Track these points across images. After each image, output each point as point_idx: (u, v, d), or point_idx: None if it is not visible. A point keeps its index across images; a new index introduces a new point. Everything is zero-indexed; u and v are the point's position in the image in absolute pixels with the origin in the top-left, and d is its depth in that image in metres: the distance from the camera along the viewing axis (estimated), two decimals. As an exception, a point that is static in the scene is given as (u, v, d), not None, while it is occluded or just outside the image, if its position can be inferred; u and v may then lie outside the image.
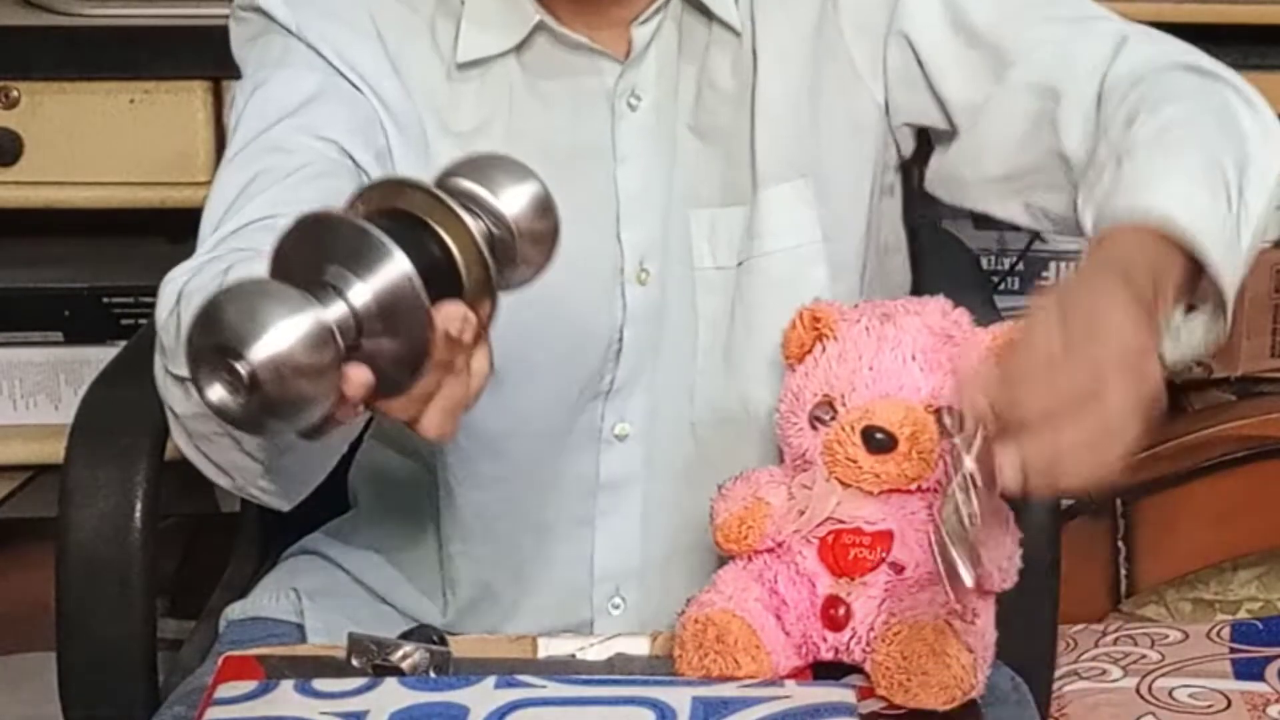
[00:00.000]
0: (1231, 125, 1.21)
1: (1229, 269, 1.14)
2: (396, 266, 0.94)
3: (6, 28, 2.14)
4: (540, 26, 1.31)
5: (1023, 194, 1.32)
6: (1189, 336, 1.18)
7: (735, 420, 1.34)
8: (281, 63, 1.30)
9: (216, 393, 0.93)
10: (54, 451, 1.38)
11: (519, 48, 1.32)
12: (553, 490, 1.35)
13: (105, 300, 2.22)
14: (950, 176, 1.36)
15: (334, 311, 0.94)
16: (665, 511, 1.36)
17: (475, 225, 1.00)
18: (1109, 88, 1.24)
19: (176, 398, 1.15)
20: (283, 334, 0.91)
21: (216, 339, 0.92)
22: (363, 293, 0.94)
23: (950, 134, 1.34)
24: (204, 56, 2.14)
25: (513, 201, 1.04)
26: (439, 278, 0.97)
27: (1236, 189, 1.16)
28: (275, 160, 1.25)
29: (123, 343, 1.61)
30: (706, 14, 1.33)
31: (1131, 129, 1.20)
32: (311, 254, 0.96)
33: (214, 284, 1.09)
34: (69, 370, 2.18)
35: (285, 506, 1.21)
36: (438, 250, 0.99)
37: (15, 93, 2.11)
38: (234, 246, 1.18)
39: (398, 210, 0.99)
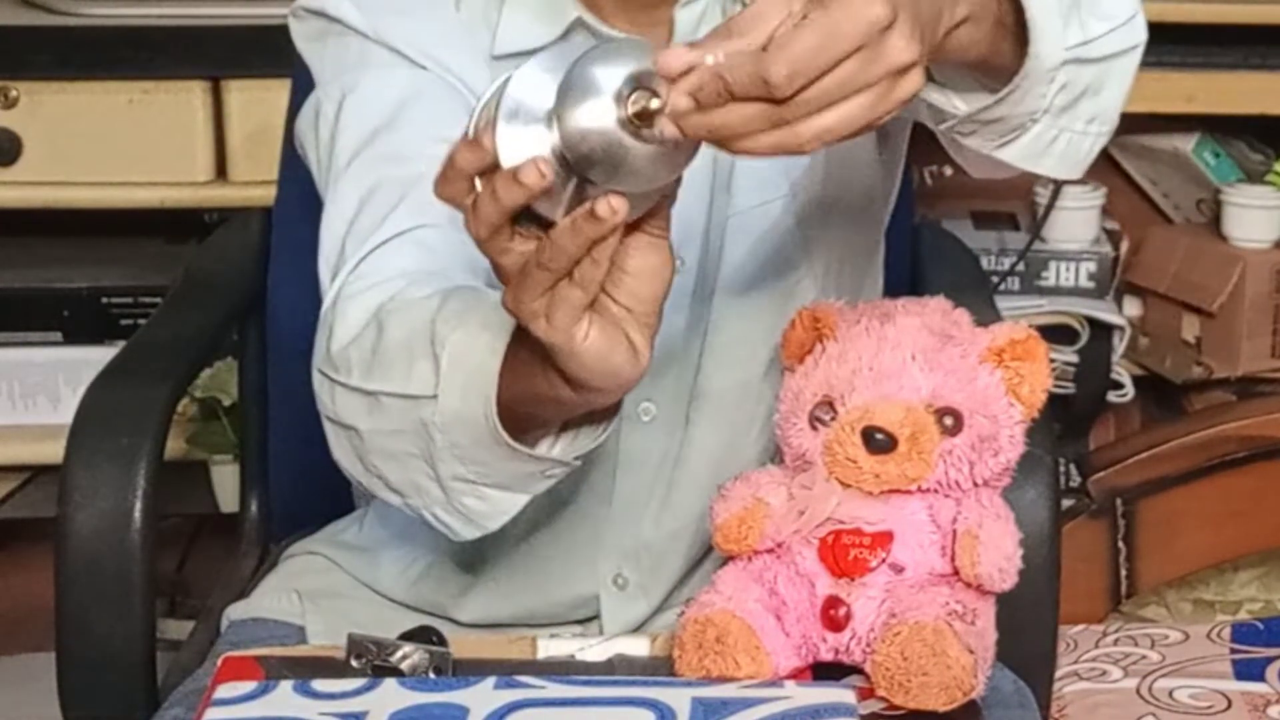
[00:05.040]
0: None
1: (1043, 23, 1.08)
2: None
3: (6, 28, 2.14)
4: (578, 22, 1.30)
5: None
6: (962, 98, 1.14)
7: (729, 395, 1.35)
8: (365, 64, 1.29)
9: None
10: (53, 451, 1.38)
11: (559, 41, 1.30)
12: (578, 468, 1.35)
13: (104, 300, 2.22)
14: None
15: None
16: (672, 490, 1.37)
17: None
18: None
19: (359, 413, 1.15)
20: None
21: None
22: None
23: None
24: (203, 56, 2.15)
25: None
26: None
27: None
28: (396, 170, 1.24)
29: (122, 343, 1.61)
30: None
31: None
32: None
33: (429, 306, 1.13)
34: (68, 370, 2.18)
35: (455, 537, 1.19)
36: None
37: (14, 92, 2.12)
38: (403, 267, 1.20)
39: None
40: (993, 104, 1.12)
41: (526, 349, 1.05)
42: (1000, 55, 1.10)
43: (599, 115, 0.96)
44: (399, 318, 1.15)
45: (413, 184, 1.22)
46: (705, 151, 1.00)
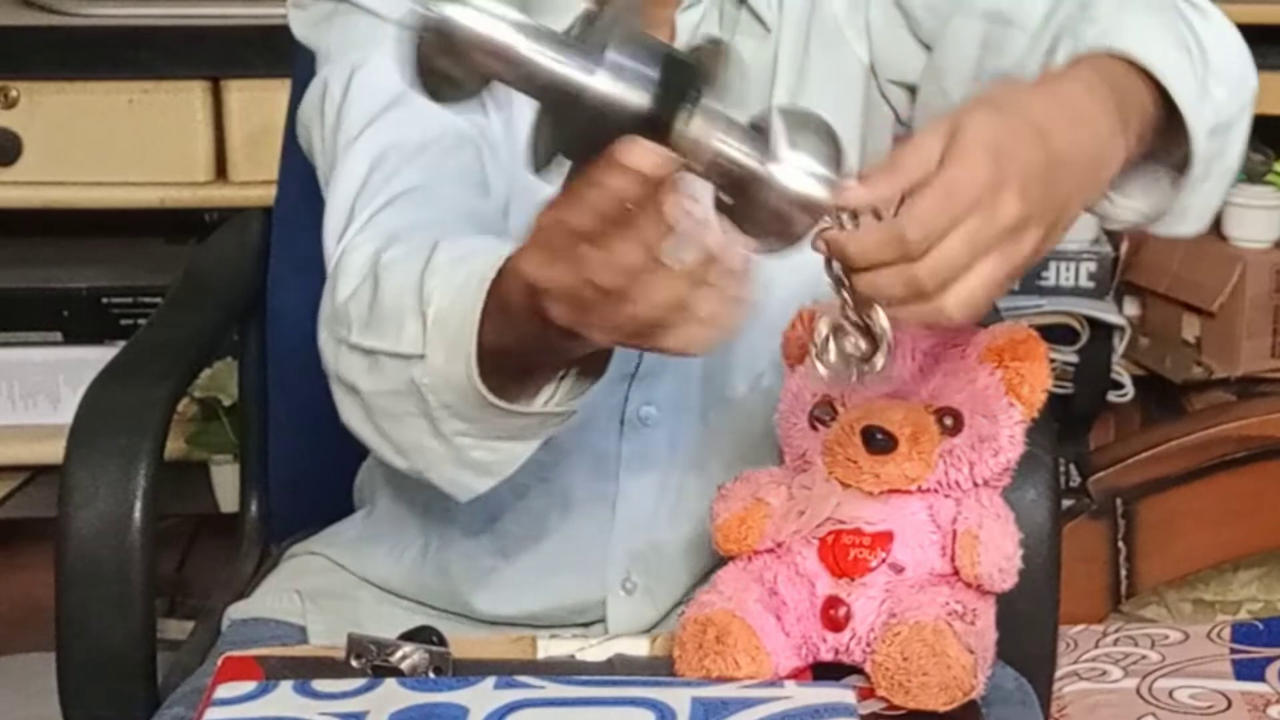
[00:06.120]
0: (1181, 17, 1.17)
1: (1196, 123, 1.09)
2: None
3: (6, 28, 2.15)
4: None
5: None
6: (1128, 198, 1.14)
7: (748, 399, 1.35)
8: (374, 40, 1.28)
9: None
10: (53, 451, 1.38)
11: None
12: (579, 468, 1.35)
13: (104, 300, 2.22)
14: (923, 105, 1.35)
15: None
16: (683, 494, 1.36)
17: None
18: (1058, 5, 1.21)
19: (359, 373, 1.14)
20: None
21: None
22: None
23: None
24: (203, 56, 2.15)
25: (794, 153, 0.96)
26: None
27: (1199, 57, 1.13)
28: (404, 135, 1.24)
29: (122, 343, 1.61)
30: None
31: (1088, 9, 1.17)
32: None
33: (420, 258, 1.11)
34: (68, 370, 2.19)
35: (462, 498, 1.19)
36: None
37: (14, 92, 2.12)
38: (410, 221, 1.19)
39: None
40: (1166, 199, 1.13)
41: (517, 297, 1.03)
42: (1151, 144, 1.11)
43: (803, 187, 0.95)
44: (392, 272, 1.14)
45: (423, 149, 1.23)
46: None
